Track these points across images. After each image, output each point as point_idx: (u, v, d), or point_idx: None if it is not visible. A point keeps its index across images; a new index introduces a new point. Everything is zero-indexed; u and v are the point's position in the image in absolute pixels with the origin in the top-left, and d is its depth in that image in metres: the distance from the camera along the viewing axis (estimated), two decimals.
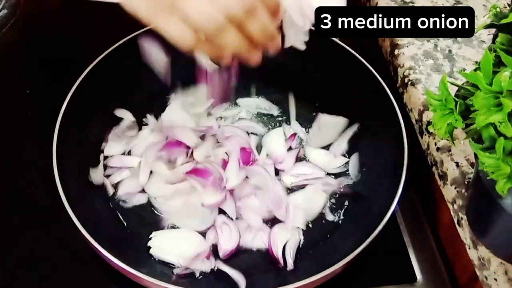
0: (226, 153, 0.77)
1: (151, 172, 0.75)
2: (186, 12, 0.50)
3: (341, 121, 0.82)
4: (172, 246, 0.68)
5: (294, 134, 0.81)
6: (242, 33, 0.53)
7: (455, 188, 0.64)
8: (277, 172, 0.77)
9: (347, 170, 0.78)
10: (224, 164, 0.75)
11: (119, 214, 0.73)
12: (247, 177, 0.74)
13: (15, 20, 0.78)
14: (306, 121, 0.84)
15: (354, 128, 0.80)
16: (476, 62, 0.74)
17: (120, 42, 0.80)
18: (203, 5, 0.50)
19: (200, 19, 0.50)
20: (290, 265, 0.68)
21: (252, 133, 0.82)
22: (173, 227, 0.72)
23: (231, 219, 0.71)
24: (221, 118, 0.84)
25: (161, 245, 0.68)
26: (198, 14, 0.50)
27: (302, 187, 0.76)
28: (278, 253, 0.68)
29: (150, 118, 0.83)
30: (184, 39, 0.52)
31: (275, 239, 0.69)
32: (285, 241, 0.69)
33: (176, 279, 0.66)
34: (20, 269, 0.69)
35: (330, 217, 0.73)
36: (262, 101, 0.87)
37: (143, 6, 0.52)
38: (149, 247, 0.68)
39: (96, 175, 0.75)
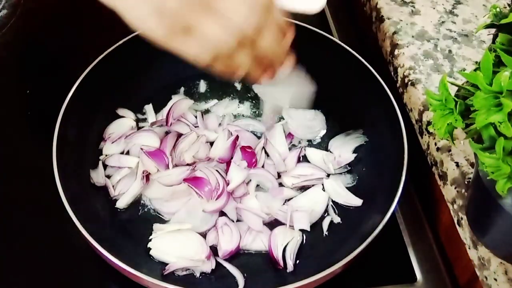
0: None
1: (149, 173, 0.74)
2: (202, 35, 0.51)
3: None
4: (172, 247, 0.68)
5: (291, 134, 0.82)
6: (253, 52, 0.55)
7: (455, 188, 0.64)
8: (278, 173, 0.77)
9: (348, 171, 0.78)
10: (228, 165, 0.75)
11: (119, 214, 0.72)
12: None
13: (15, 20, 0.78)
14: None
15: (361, 137, 0.80)
16: (476, 62, 0.74)
17: (120, 42, 0.80)
18: (217, 29, 0.51)
19: (214, 42, 0.51)
20: (290, 267, 0.67)
21: (251, 131, 0.82)
22: (161, 217, 0.72)
23: (232, 220, 0.71)
24: (223, 116, 0.85)
25: (161, 246, 0.68)
26: (213, 38, 0.51)
27: (303, 188, 0.76)
28: (278, 254, 0.68)
29: (149, 118, 0.83)
30: (201, 59, 0.53)
31: (275, 241, 0.69)
32: (286, 243, 0.69)
33: (176, 279, 0.66)
34: (20, 269, 0.69)
35: (330, 217, 0.73)
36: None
37: (158, 28, 0.52)
38: (149, 248, 0.68)
39: (97, 176, 0.74)
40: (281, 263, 0.67)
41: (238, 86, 0.88)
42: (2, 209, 0.74)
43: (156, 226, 0.70)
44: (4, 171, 0.78)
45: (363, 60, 0.80)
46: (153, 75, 0.85)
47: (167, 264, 0.67)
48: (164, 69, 0.85)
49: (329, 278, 0.62)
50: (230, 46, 0.52)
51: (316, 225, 0.72)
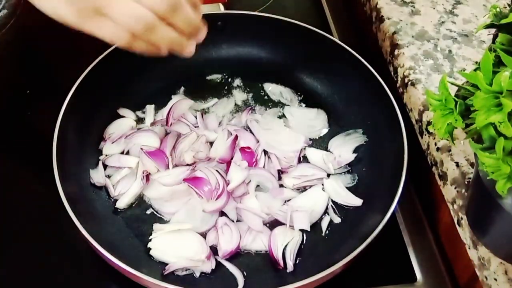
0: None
1: (149, 173, 0.75)
2: (113, 16, 0.52)
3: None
4: (172, 247, 0.68)
5: None
6: (171, 28, 0.56)
7: (455, 188, 0.64)
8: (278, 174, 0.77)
9: (348, 171, 0.78)
10: (228, 165, 0.75)
11: (119, 214, 0.73)
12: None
13: (15, 20, 0.78)
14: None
15: (361, 137, 0.80)
16: (476, 62, 0.74)
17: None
18: (128, 7, 0.52)
19: (128, 21, 0.52)
20: (290, 267, 0.67)
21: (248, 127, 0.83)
22: (161, 217, 0.72)
23: (232, 220, 0.71)
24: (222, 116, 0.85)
25: (161, 246, 0.68)
26: (126, 17, 0.52)
27: (303, 188, 0.76)
28: (278, 254, 0.68)
29: (148, 118, 0.83)
30: (118, 39, 0.54)
31: (275, 241, 0.69)
32: (286, 243, 0.69)
33: (176, 279, 0.66)
34: (20, 269, 0.69)
35: (330, 217, 0.73)
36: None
37: (69, 13, 0.53)
38: (149, 248, 0.68)
39: (97, 176, 0.75)
40: (281, 263, 0.67)
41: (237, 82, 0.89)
42: (2, 209, 0.74)
43: (156, 226, 0.70)
44: (4, 171, 0.78)
45: (363, 60, 0.80)
46: (153, 75, 0.85)
47: (167, 264, 0.67)
48: (164, 69, 0.85)
49: (329, 278, 0.62)
50: (146, 22, 0.53)
51: (316, 225, 0.72)
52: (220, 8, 0.93)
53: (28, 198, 0.76)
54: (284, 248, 0.69)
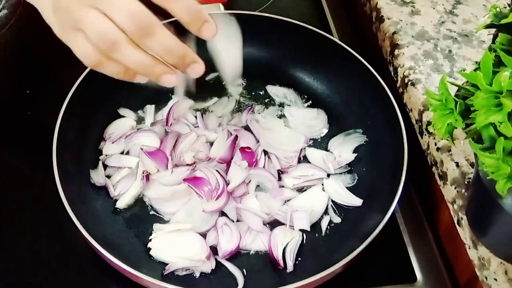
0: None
1: (149, 173, 0.75)
2: (85, 31, 0.50)
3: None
4: (172, 247, 0.68)
5: None
6: (141, 51, 0.52)
7: (455, 188, 0.64)
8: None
9: (348, 171, 0.78)
10: (228, 165, 0.75)
11: (119, 214, 0.73)
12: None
13: (15, 20, 0.78)
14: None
15: (361, 137, 0.80)
16: (476, 62, 0.74)
17: None
18: (97, 22, 0.50)
19: (95, 36, 0.50)
20: (290, 267, 0.67)
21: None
22: (161, 216, 0.72)
23: (232, 220, 0.71)
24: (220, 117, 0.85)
25: (161, 246, 0.68)
26: (93, 32, 0.50)
27: (303, 188, 0.76)
28: (278, 255, 0.68)
29: (148, 118, 0.83)
30: (86, 57, 0.52)
31: (275, 241, 0.69)
32: (286, 243, 0.69)
33: (176, 279, 0.66)
34: (20, 269, 0.69)
35: (330, 217, 0.73)
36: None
37: (55, 24, 0.53)
38: (149, 248, 0.68)
39: (97, 176, 0.75)
40: (281, 263, 0.67)
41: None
42: (2, 209, 0.74)
43: (156, 226, 0.70)
44: (4, 172, 0.78)
45: (363, 60, 0.80)
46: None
47: (167, 264, 0.67)
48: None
49: (329, 278, 0.62)
50: (109, 39, 0.50)
51: (316, 225, 0.72)
52: (220, 8, 0.93)
53: (28, 199, 0.76)
54: (284, 248, 0.69)
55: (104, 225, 0.70)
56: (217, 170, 0.73)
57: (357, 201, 0.74)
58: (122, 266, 0.60)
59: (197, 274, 0.67)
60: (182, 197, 0.73)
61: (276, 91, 0.88)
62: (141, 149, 0.75)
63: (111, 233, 0.69)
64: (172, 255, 0.67)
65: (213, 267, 0.67)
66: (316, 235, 0.72)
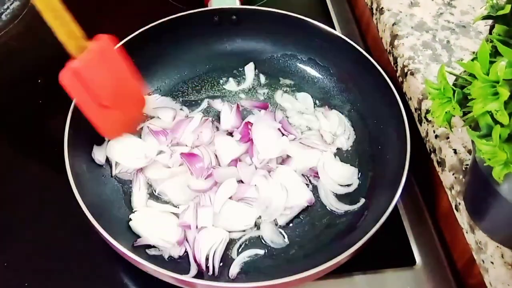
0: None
1: None
2: None
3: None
4: (150, 223, 0.69)
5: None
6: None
7: (453, 174, 0.65)
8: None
9: (348, 161, 0.79)
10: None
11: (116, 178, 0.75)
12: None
13: (27, 12, 0.78)
14: None
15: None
16: (474, 52, 0.76)
17: (122, 42, 0.80)
18: None
19: None
20: (216, 271, 0.67)
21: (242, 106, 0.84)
22: (159, 196, 0.73)
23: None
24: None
25: (141, 220, 0.70)
26: None
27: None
28: (201, 259, 0.67)
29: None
30: None
31: (199, 245, 0.67)
32: (210, 247, 0.68)
33: (147, 257, 0.66)
34: (20, 261, 0.70)
35: (335, 206, 0.74)
36: None
37: None
38: (130, 219, 0.70)
39: (99, 154, 0.75)
40: (204, 267, 0.66)
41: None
42: (12, 197, 0.76)
43: (150, 202, 0.72)
44: (13, 159, 0.80)
45: (363, 52, 0.81)
46: (153, 75, 0.86)
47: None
48: (165, 69, 0.87)
49: (333, 269, 0.63)
50: None
51: (317, 220, 0.73)
52: (236, 3, 0.92)
53: (38, 185, 0.77)
54: (212, 252, 0.68)
55: (99, 187, 0.72)
56: (215, 154, 0.75)
57: (344, 207, 0.74)
58: (103, 233, 0.62)
59: (166, 256, 0.68)
60: (181, 179, 0.74)
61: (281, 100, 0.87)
62: (148, 127, 0.77)
63: (104, 199, 0.71)
64: (147, 230, 0.69)
65: (181, 254, 0.68)
66: (320, 225, 0.73)
